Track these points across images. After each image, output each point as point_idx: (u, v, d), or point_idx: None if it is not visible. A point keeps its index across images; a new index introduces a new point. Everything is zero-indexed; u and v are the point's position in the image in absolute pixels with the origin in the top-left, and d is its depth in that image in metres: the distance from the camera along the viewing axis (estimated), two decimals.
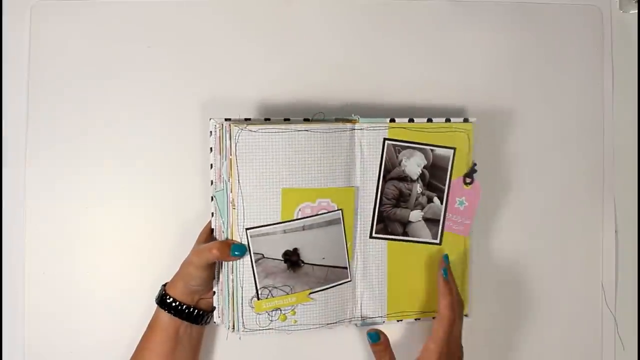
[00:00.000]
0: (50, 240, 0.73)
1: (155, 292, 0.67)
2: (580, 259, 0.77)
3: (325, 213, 0.65)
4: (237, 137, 0.62)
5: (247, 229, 0.63)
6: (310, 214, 0.65)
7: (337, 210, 0.66)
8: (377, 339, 0.65)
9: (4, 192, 0.73)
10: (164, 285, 0.67)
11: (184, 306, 0.65)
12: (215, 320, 0.67)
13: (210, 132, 0.66)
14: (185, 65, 0.74)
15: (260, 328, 0.65)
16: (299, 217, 0.64)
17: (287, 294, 0.65)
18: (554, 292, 0.76)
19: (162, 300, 0.66)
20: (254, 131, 0.62)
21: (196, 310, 0.66)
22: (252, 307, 0.64)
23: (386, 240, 0.69)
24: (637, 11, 0.77)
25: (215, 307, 0.67)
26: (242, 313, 0.64)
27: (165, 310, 0.65)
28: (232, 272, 0.64)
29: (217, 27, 0.74)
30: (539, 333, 0.76)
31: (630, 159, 0.77)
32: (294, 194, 0.64)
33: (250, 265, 0.64)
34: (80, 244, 0.73)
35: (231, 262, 0.64)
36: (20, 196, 0.72)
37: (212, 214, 0.67)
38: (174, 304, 0.65)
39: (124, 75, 0.73)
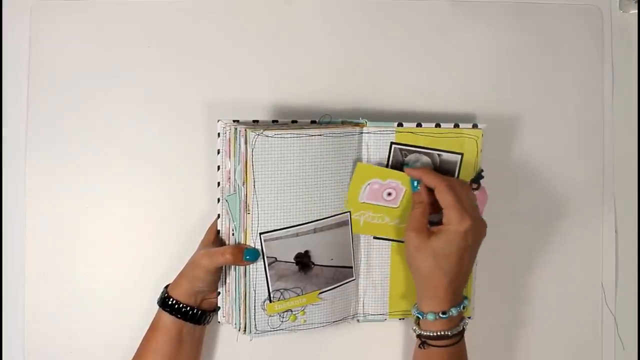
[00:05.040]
0: (50, 240, 0.73)
1: (156, 292, 0.67)
2: (580, 259, 0.77)
3: (338, 215, 0.65)
4: (253, 143, 0.61)
5: (260, 233, 0.63)
6: (377, 190, 0.65)
7: (346, 212, 0.66)
8: (416, 187, 0.65)
9: (4, 192, 0.73)
10: (166, 287, 0.67)
11: (187, 307, 0.65)
12: (219, 319, 0.67)
13: (218, 133, 0.66)
14: (185, 65, 0.73)
15: (272, 329, 0.65)
16: (366, 192, 0.65)
17: (298, 295, 0.65)
18: (554, 292, 0.76)
19: (164, 303, 0.65)
20: (271, 136, 0.61)
21: (199, 311, 0.66)
22: (265, 310, 0.64)
23: (390, 241, 0.69)
24: (637, 11, 0.77)
25: (219, 307, 0.67)
26: (255, 316, 0.64)
27: (167, 312, 0.65)
28: (245, 276, 0.64)
29: (217, 28, 0.74)
30: (540, 333, 0.76)
31: (630, 159, 0.77)
32: (368, 170, 0.65)
33: (263, 269, 0.63)
34: (80, 244, 0.73)
35: (243, 266, 0.64)
36: (20, 196, 0.72)
37: (219, 215, 0.67)
38: (176, 306, 0.65)
39: (124, 75, 0.73)
